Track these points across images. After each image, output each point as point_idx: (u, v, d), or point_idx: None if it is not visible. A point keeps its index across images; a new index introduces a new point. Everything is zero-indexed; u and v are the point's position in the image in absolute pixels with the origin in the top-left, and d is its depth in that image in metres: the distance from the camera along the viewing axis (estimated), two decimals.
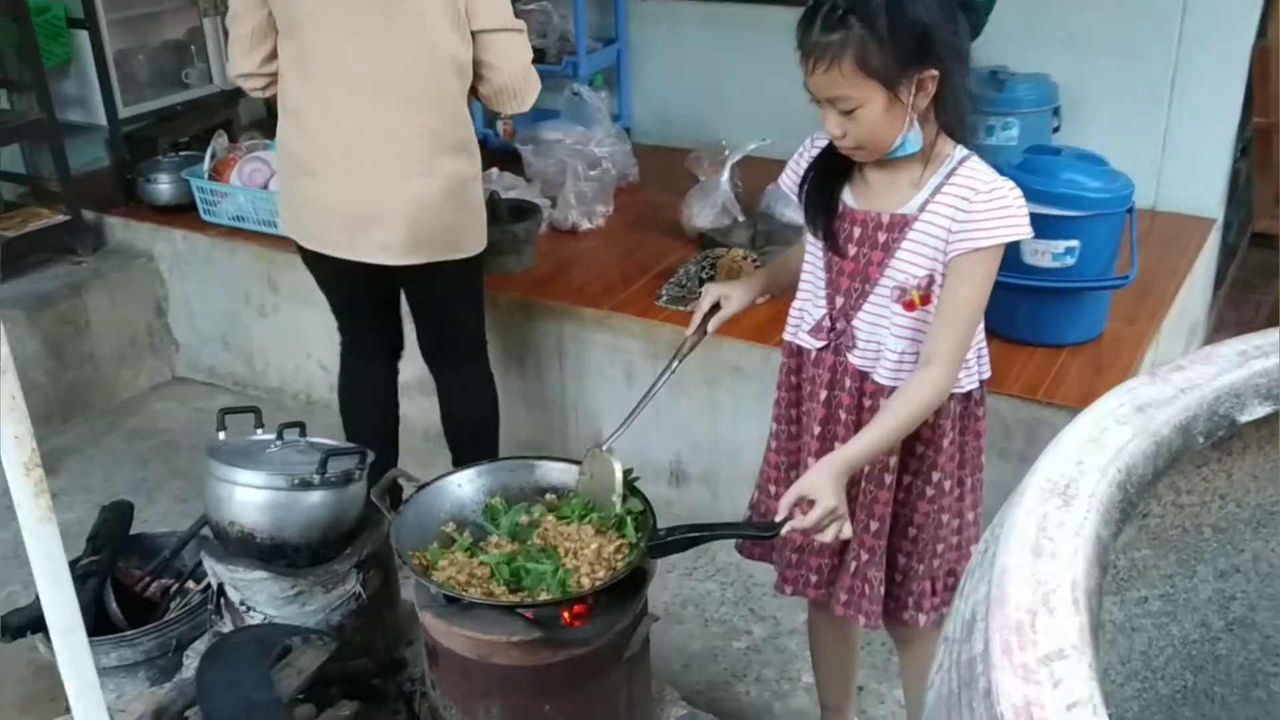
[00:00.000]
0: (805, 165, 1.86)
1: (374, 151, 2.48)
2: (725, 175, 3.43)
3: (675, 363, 1.90)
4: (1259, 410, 1.22)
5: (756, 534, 1.92)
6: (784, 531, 1.67)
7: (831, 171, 1.81)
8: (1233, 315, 4.11)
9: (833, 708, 2.32)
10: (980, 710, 0.86)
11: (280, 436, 2.07)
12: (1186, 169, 3.57)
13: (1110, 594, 1.30)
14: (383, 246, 2.53)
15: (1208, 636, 1.40)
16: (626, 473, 1.89)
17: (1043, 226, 2.67)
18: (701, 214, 3.43)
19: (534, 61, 4.39)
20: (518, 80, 2.59)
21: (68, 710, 2.30)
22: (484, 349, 2.89)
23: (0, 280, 3.59)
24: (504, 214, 3.33)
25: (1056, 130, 3.53)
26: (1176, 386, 1.19)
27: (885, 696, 2.54)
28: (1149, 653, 1.36)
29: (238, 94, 4.44)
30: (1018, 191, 1.71)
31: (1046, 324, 2.79)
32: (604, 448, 1.88)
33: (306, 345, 3.75)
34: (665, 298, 3.15)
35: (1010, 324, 2.82)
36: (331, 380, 3.75)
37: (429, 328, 2.86)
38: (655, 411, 3.08)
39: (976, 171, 1.71)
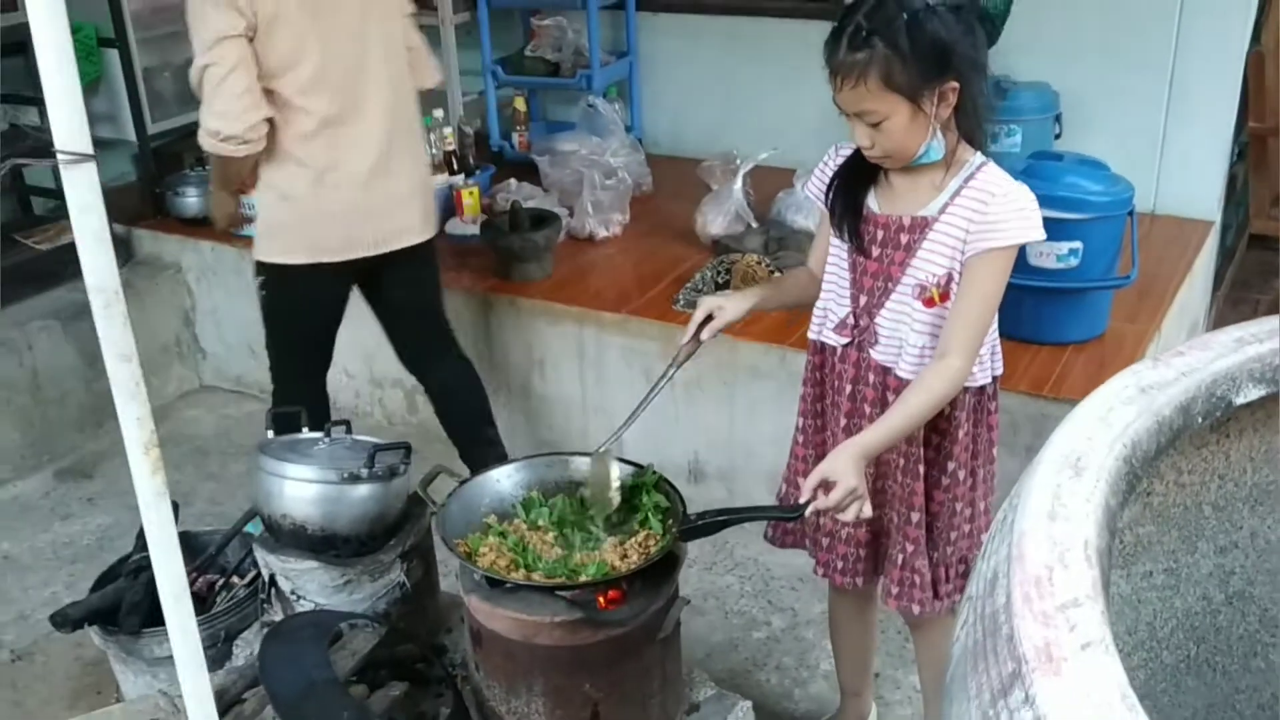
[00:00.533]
0: (830, 173, 1.96)
1: (393, 147, 2.73)
2: (738, 183, 3.54)
3: (672, 369, 1.99)
4: (1254, 392, 1.33)
5: (782, 515, 2.02)
6: (807, 512, 1.77)
7: (857, 178, 1.91)
8: (1232, 314, 4.21)
9: (851, 691, 2.42)
10: (1005, 654, 0.96)
11: (328, 434, 2.17)
12: (1184, 173, 3.68)
13: (1117, 568, 1.40)
14: (407, 229, 2.81)
15: (1209, 609, 1.50)
16: (648, 467, 2.01)
17: (1046, 229, 2.77)
18: (715, 221, 3.54)
19: (550, 75, 4.53)
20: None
21: (115, 701, 2.41)
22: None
23: None
24: (525, 222, 3.45)
25: (1058, 137, 3.63)
26: (1177, 370, 1.30)
27: (901, 682, 2.64)
28: (1154, 624, 1.46)
29: None
30: (1031, 196, 1.82)
31: (1051, 323, 2.90)
32: (601, 449, 1.99)
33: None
34: (682, 302, 3.26)
35: (1017, 323, 2.92)
36: (357, 386, 3.87)
37: (415, 315, 3.04)
38: (675, 412, 3.21)
39: (993, 177, 1.82)
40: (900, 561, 1.97)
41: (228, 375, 4.16)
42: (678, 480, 3.24)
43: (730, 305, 2.00)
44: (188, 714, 1.35)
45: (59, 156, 1.09)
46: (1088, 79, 3.67)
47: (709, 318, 2.00)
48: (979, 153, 1.85)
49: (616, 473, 1.98)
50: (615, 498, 1.98)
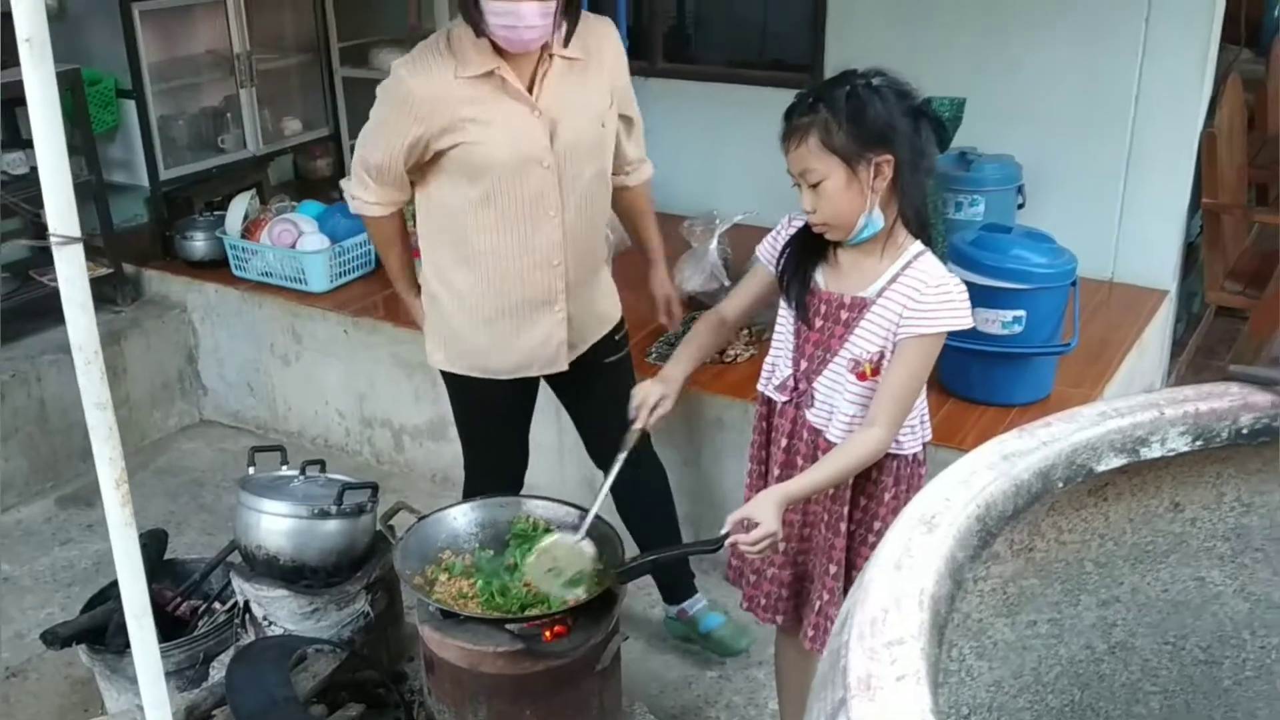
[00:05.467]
0: (782, 242, 2.13)
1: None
2: (714, 243, 3.72)
3: (621, 457, 2.16)
4: (1115, 461, 1.48)
5: (703, 548, 2.16)
6: (726, 544, 1.93)
7: (810, 253, 2.07)
8: (1193, 379, 4.35)
9: None
10: (838, 684, 1.12)
11: (304, 472, 2.35)
12: (1141, 244, 3.85)
13: (1002, 616, 1.55)
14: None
15: (1092, 658, 1.65)
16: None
17: (993, 297, 2.96)
18: (692, 278, 3.72)
19: None
20: None
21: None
22: None
23: None
24: None
25: (1021, 207, 3.81)
26: (1039, 440, 1.46)
27: None
28: (1039, 669, 1.60)
29: (268, 158, 4.79)
30: (962, 288, 1.97)
31: (998, 385, 3.07)
32: (577, 540, 2.15)
33: (325, 393, 4.04)
34: (655, 355, 3.43)
35: (965, 385, 3.10)
36: (348, 425, 4.05)
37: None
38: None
39: (928, 267, 1.98)
40: (818, 608, 2.13)
41: (226, 411, 4.35)
42: None
43: (671, 391, 2.17)
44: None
45: (52, 238, 1.27)
46: (1050, 152, 3.85)
47: (658, 404, 2.17)
48: (918, 241, 2.00)
49: (590, 555, 2.14)
50: (582, 582, 2.12)
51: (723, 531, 1.95)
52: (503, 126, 2.33)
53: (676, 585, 3.01)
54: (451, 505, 2.23)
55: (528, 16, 2.18)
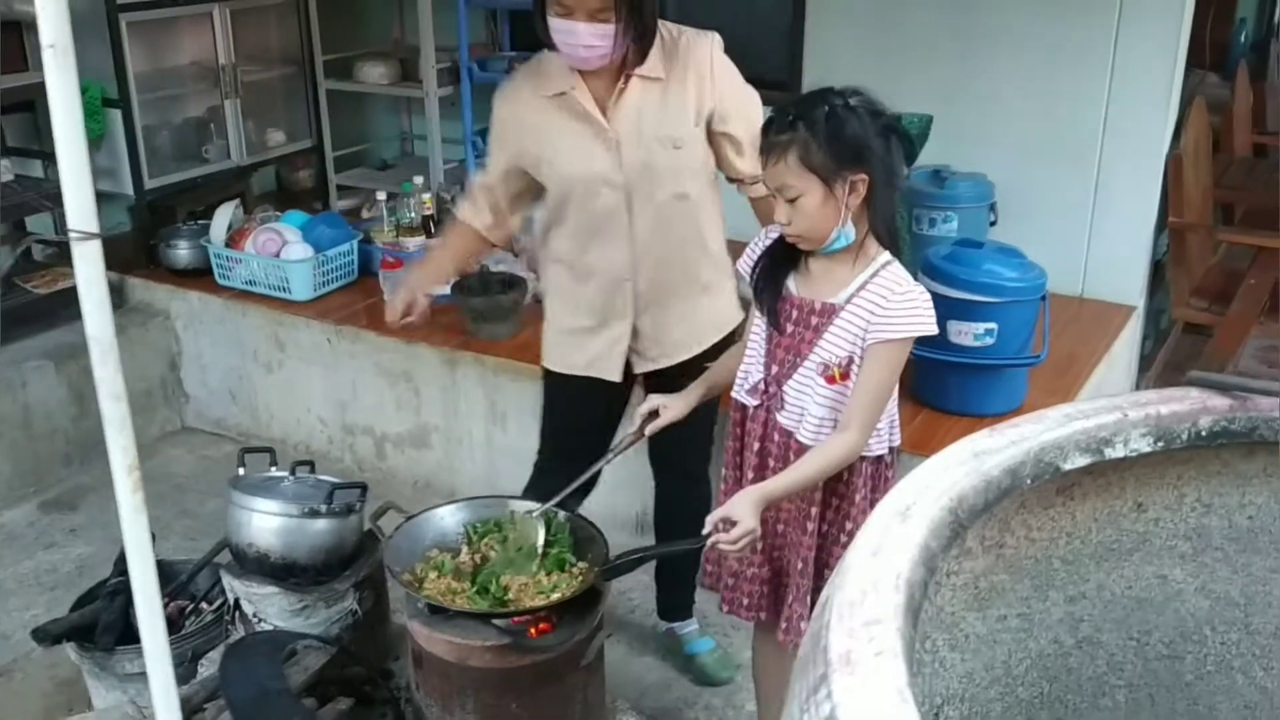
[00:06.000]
0: (759, 253, 2.21)
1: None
2: None
3: (611, 455, 2.25)
4: (1080, 460, 1.55)
5: (686, 547, 2.22)
6: (708, 544, 2.00)
7: (782, 261, 2.15)
8: None
9: None
10: (820, 661, 1.18)
11: (293, 473, 2.40)
12: (1109, 261, 3.96)
13: (973, 610, 1.62)
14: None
15: (1060, 651, 1.72)
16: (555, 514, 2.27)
17: (966, 310, 3.05)
18: None
19: None
20: None
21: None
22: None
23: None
24: (494, 285, 3.70)
25: (993, 224, 3.90)
26: (1009, 439, 1.53)
27: None
28: (1009, 662, 1.67)
29: (251, 169, 4.84)
30: (927, 296, 2.06)
31: (970, 395, 3.15)
32: (535, 514, 2.25)
33: (308, 401, 4.09)
34: None
35: (940, 395, 3.18)
36: (330, 433, 4.09)
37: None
38: (624, 469, 3.42)
39: (895, 276, 2.06)
40: (789, 600, 2.20)
41: (208, 418, 4.38)
42: (625, 530, 3.49)
43: (676, 405, 2.26)
44: (155, 708, 1.55)
45: (71, 234, 1.32)
46: (1021, 171, 3.95)
47: (655, 413, 2.25)
48: (886, 251, 2.08)
49: (541, 535, 2.23)
50: (534, 554, 2.22)
51: (704, 532, 2.01)
52: (571, 145, 2.42)
53: (673, 607, 3.07)
54: (439, 505, 2.29)
55: (582, 35, 2.26)
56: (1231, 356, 3.93)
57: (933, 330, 2.05)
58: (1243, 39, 6.20)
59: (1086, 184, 3.91)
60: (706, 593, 3.03)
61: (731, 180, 2.62)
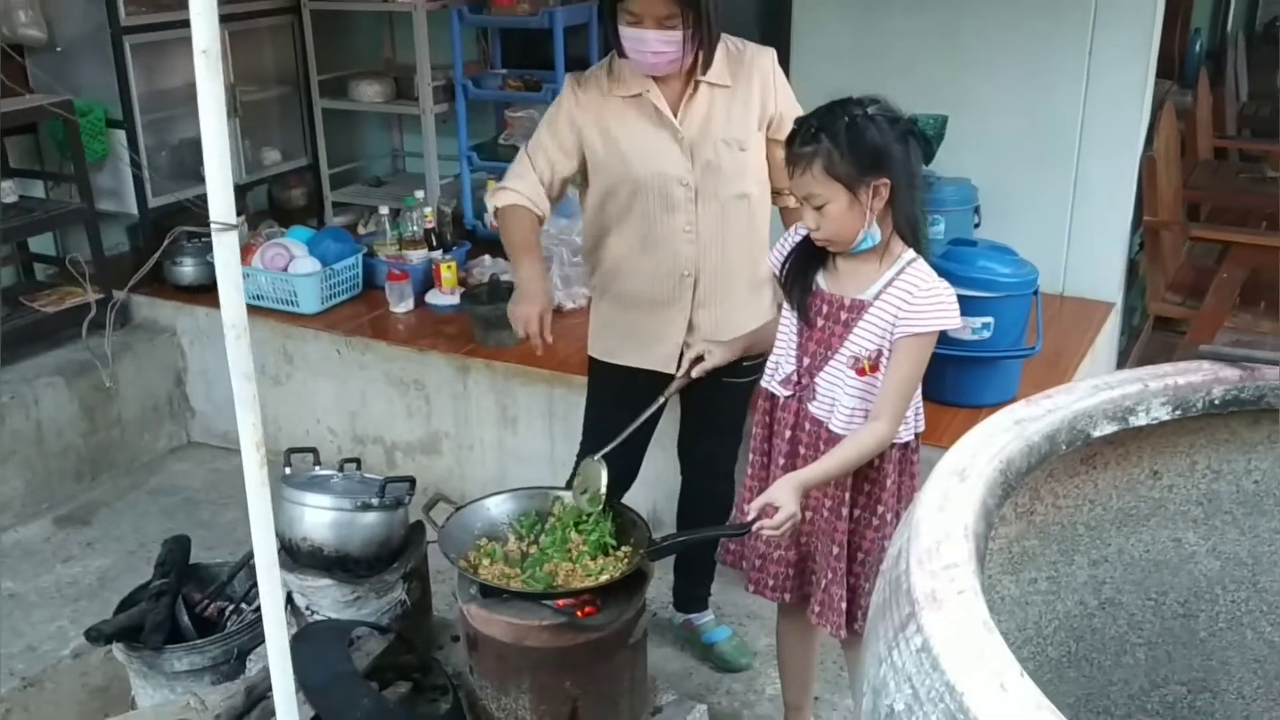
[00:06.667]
0: (788, 250, 2.32)
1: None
2: None
3: (662, 399, 2.39)
4: (1107, 428, 1.69)
5: (734, 532, 2.34)
6: (754, 529, 2.11)
7: (811, 259, 2.26)
8: None
9: (794, 707, 2.73)
10: (903, 602, 1.30)
11: (341, 469, 2.49)
12: (1088, 259, 4.14)
13: (1007, 574, 1.75)
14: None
15: (1085, 612, 1.84)
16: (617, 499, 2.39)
17: (962, 306, 3.14)
18: None
19: None
20: None
21: None
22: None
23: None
24: (503, 294, 3.80)
25: (977, 226, 4.06)
26: (1045, 408, 1.67)
27: (837, 705, 2.96)
28: (1040, 623, 1.79)
29: (249, 187, 4.92)
30: (952, 291, 2.18)
31: (969, 387, 3.30)
32: (597, 458, 2.39)
33: (317, 411, 4.16)
34: None
35: (940, 388, 3.32)
36: (340, 443, 4.17)
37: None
38: (642, 466, 3.54)
39: (921, 272, 2.18)
40: (823, 585, 2.31)
41: (215, 432, 4.44)
42: None
43: (719, 350, 2.40)
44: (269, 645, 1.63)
45: (213, 225, 1.43)
46: (1004, 175, 4.13)
47: (700, 357, 2.38)
48: (911, 249, 2.20)
49: (604, 478, 2.38)
50: (599, 498, 2.37)
51: (750, 517, 2.12)
52: (646, 144, 2.56)
53: (691, 599, 3.19)
54: (487, 496, 2.40)
55: (651, 42, 2.39)
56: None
57: (957, 324, 2.18)
58: (1198, 48, 6.45)
59: (1065, 186, 4.09)
60: (721, 584, 3.20)
61: (773, 191, 2.76)
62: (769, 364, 2.37)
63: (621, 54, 2.49)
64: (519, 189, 2.64)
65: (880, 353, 2.18)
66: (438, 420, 3.93)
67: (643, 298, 2.71)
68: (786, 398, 2.32)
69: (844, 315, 2.21)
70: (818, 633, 2.60)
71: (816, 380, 2.26)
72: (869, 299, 2.18)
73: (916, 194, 2.17)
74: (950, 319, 2.16)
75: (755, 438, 2.43)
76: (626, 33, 2.42)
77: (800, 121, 2.14)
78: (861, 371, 2.20)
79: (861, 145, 2.06)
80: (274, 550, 1.55)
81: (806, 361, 2.27)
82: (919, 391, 2.29)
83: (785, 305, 2.32)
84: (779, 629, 2.68)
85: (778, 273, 2.34)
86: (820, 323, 2.24)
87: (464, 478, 3.95)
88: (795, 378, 2.29)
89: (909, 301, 2.14)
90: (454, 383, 3.84)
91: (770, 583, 2.41)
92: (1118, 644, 1.92)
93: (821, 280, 2.26)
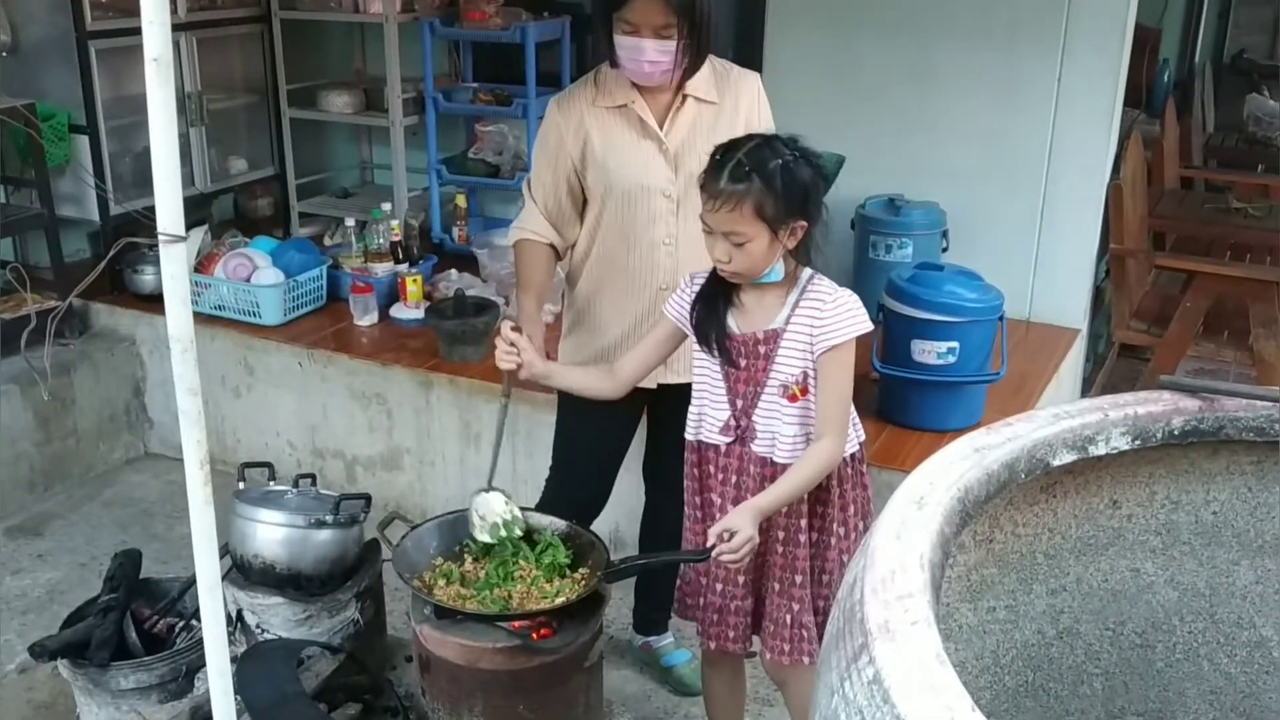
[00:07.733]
0: (689, 300, 2.28)
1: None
2: None
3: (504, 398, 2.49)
4: (1067, 457, 1.68)
5: (693, 557, 2.31)
6: (713, 555, 2.09)
7: (717, 300, 2.24)
8: None
9: None
10: (857, 632, 1.28)
11: (296, 485, 2.45)
12: (1054, 286, 4.15)
13: (966, 602, 1.73)
14: None
15: (1043, 641, 1.83)
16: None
17: (928, 330, 3.20)
18: None
19: (490, 176, 4.83)
20: None
21: None
22: None
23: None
24: (469, 309, 3.77)
25: (945, 250, 4.07)
26: (1005, 436, 1.66)
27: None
28: (998, 652, 1.78)
29: (214, 195, 4.86)
30: (856, 297, 2.19)
31: (933, 411, 3.29)
32: (488, 490, 2.40)
33: (277, 424, 4.11)
34: None
35: (903, 412, 3.32)
36: (299, 456, 4.12)
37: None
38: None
39: (824, 286, 2.19)
40: (789, 621, 2.28)
41: (172, 444, 4.37)
42: None
43: (536, 332, 2.47)
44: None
45: (161, 237, 1.39)
46: (971, 200, 4.14)
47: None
48: (807, 268, 2.20)
49: (501, 505, 2.38)
50: (499, 528, 2.34)
51: (709, 544, 2.10)
52: (630, 155, 2.54)
53: (651, 621, 3.15)
54: (444, 515, 2.36)
55: (648, 51, 2.39)
56: (1170, 375, 4.14)
57: (869, 327, 2.19)
58: (1166, 79, 6.51)
59: (1033, 212, 4.11)
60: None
61: None
62: (691, 414, 2.33)
63: (614, 64, 2.49)
64: (524, 224, 2.67)
65: (806, 374, 2.19)
66: (400, 435, 3.89)
67: (620, 311, 2.68)
68: (729, 444, 2.29)
69: (762, 349, 2.21)
70: (743, 672, 2.57)
71: (754, 419, 2.24)
72: (781, 327, 2.19)
73: (821, 229, 2.17)
74: (863, 323, 2.17)
75: (687, 491, 2.39)
76: (623, 42, 2.41)
77: (723, 155, 2.11)
78: (793, 398, 2.20)
79: (794, 189, 2.07)
80: (217, 570, 1.52)
81: (740, 403, 2.25)
82: (851, 405, 2.27)
83: (699, 353, 2.29)
84: (707, 680, 2.61)
85: (685, 325, 2.30)
86: (744, 362, 2.23)
87: (425, 494, 3.91)
88: (733, 422, 2.27)
89: (819, 317, 2.15)
90: (416, 398, 3.80)
91: (731, 634, 2.36)
92: (1075, 674, 1.91)
93: (732, 323, 2.24)
